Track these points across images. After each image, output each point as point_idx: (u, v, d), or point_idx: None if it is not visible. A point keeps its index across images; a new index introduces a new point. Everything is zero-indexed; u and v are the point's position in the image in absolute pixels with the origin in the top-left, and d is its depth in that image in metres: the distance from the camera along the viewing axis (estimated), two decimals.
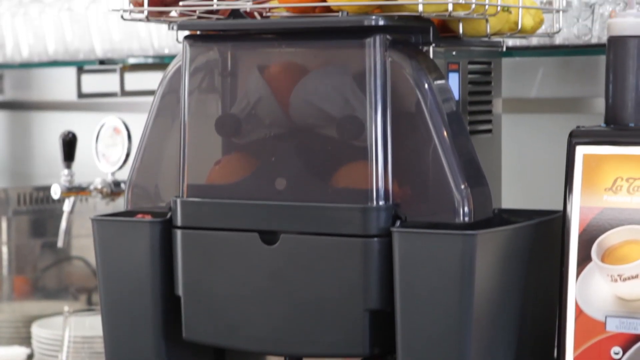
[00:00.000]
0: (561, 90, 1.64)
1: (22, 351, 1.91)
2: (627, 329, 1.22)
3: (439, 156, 1.24)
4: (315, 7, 1.28)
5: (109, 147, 1.88)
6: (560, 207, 1.29)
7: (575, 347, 1.24)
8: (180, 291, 1.34)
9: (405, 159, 1.26)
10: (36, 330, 1.93)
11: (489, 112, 1.41)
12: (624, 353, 1.22)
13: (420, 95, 1.25)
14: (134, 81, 2.00)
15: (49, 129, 2.30)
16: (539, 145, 1.66)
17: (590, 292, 1.24)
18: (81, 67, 2.06)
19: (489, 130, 1.41)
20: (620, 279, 1.22)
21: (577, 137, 1.27)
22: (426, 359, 1.20)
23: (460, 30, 1.31)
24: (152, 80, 1.80)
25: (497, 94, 1.43)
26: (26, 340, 1.98)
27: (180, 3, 1.33)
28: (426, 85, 1.25)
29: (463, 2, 1.22)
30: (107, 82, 2.05)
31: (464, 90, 1.35)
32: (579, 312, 1.25)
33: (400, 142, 1.26)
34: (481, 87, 1.40)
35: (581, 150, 1.27)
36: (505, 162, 1.46)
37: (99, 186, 1.87)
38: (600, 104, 1.50)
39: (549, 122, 1.65)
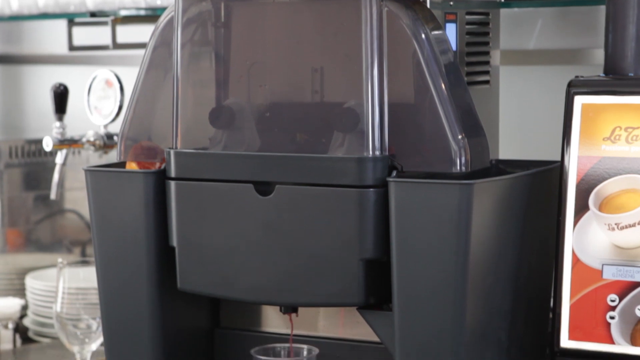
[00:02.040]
0: (560, 41, 1.63)
1: (17, 302, 1.91)
2: (623, 276, 1.22)
3: (435, 106, 1.23)
4: None
5: (101, 100, 1.87)
6: (558, 159, 1.29)
7: (572, 295, 1.25)
8: (174, 242, 1.34)
9: (401, 109, 1.25)
10: (30, 281, 1.93)
11: (487, 63, 1.41)
12: (620, 300, 1.23)
13: (417, 46, 1.24)
14: (125, 34, 1.98)
15: (41, 83, 2.29)
16: (537, 97, 1.66)
17: (587, 240, 1.24)
18: (72, 20, 2.03)
19: (487, 82, 1.41)
20: (617, 227, 1.22)
21: (575, 87, 1.27)
22: (422, 309, 1.21)
23: None
24: (144, 32, 1.78)
25: (495, 45, 1.42)
26: (20, 292, 1.98)
27: None
28: (423, 36, 1.24)
29: None
30: (99, 34, 2.03)
31: (461, 41, 1.34)
32: (575, 260, 1.25)
33: (397, 93, 1.25)
34: (479, 38, 1.39)
35: (580, 100, 1.26)
36: (503, 113, 1.45)
37: (92, 139, 1.86)
38: (599, 55, 1.49)
39: (547, 74, 1.65)
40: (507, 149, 1.49)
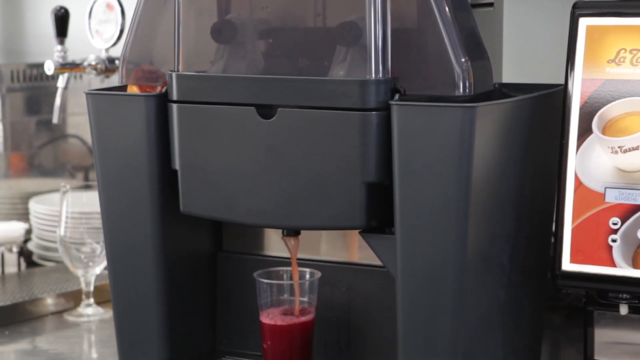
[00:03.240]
0: None
1: (20, 226, 1.92)
2: (626, 199, 1.22)
3: (439, 29, 1.22)
4: None
5: (102, 24, 1.85)
6: (562, 82, 1.28)
7: (574, 219, 1.25)
8: (177, 165, 1.34)
9: (405, 32, 1.24)
10: (34, 206, 1.94)
11: None
12: (622, 223, 1.23)
13: None
14: None
15: (41, 6, 2.27)
16: (541, 20, 1.64)
17: (590, 164, 1.24)
18: None
19: (491, 4, 1.39)
20: (620, 150, 1.22)
21: (580, 9, 1.25)
22: (424, 232, 1.21)
23: None
24: None
25: None
26: (24, 216, 1.99)
27: None
28: None
29: None
30: None
31: None
32: (578, 184, 1.25)
33: (400, 15, 1.23)
34: None
35: (584, 22, 1.25)
36: (506, 36, 1.44)
37: (93, 62, 1.85)
38: None
39: None
40: (511, 72, 1.48)
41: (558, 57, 1.36)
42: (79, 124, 2.05)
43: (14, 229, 1.91)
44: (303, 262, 1.40)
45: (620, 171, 1.22)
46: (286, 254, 1.41)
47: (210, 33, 1.31)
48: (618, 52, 1.23)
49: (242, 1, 1.31)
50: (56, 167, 2.08)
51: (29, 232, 1.94)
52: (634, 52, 1.22)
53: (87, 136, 2.02)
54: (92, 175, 2.06)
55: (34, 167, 2.06)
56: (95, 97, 1.37)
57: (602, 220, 1.23)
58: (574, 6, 1.26)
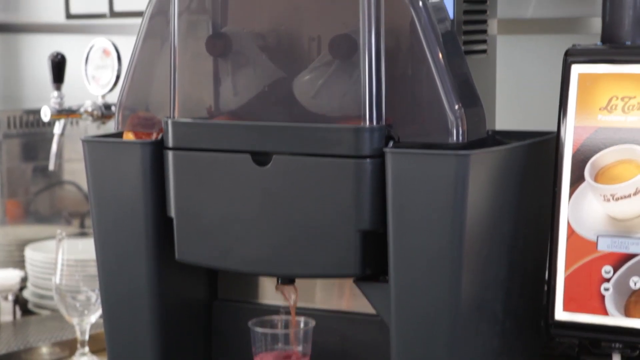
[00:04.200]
0: (557, 10, 1.62)
1: (16, 274, 1.92)
2: (618, 248, 1.22)
3: (432, 76, 1.23)
4: None
5: (99, 69, 1.86)
6: (555, 129, 1.29)
7: (567, 267, 1.25)
8: (172, 212, 1.34)
9: (398, 79, 1.25)
10: (29, 253, 1.93)
11: (484, 32, 1.40)
12: (614, 272, 1.23)
13: (414, 14, 1.24)
14: (123, 2, 1.97)
15: (38, 52, 2.28)
16: (534, 66, 1.65)
17: (582, 212, 1.24)
18: None
19: (484, 51, 1.40)
20: (613, 198, 1.22)
21: (572, 56, 1.26)
22: (418, 280, 1.21)
23: None
24: (141, 0, 1.77)
25: (492, 14, 1.41)
26: (20, 264, 1.98)
27: None
28: (420, 4, 1.24)
29: None
30: (96, 3, 2.02)
31: (458, 10, 1.33)
32: (570, 232, 1.25)
33: (394, 62, 1.24)
34: (476, 6, 1.38)
35: (576, 69, 1.26)
36: (499, 83, 1.45)
37: (90, 109, 1.85)
38: (596, 24, 1.48)
39: (544, 43, 1.64)
40: (504, 118, 1.48)
41: (551, 104, 1.36)
42: (75, 170, 2.05)
43: (10, 276, 1.90)
44: (297, 310, 1.39)
45: (612, 219, 1.22)
46: (281, 302, 1.40)
47: (205, 47, 1.30)
48: (610, 100, 1.23)
49: (237, 48, 1.32)
50: (52, 214, 2.07)
51: (24, 279, 1.94)
52: (626, 99, 1.23)
53: (83, 183, 2.02)
54: (88, 222, 2.06)
55: (30, 214, 2.06)
56: (92, 144, 1.38)
57: (595, 269, 1.23)
58: (567, 53, 1.27)
